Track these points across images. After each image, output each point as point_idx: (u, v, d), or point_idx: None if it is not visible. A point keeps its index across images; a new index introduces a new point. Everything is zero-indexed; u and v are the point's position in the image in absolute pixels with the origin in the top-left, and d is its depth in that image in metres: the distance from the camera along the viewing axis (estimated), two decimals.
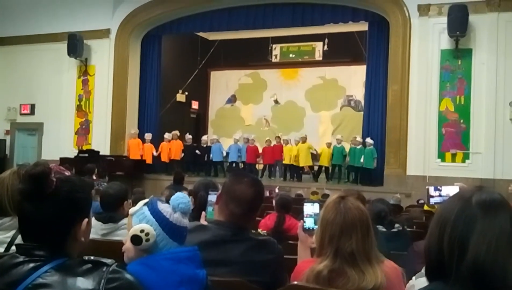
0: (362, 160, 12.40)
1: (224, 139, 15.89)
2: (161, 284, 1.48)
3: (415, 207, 7.82)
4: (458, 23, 10.80)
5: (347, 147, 13.45)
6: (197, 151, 14.26)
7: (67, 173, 1.44)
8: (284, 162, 13.78)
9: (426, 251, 1.08)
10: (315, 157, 13.80)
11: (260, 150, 14.31)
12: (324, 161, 13.48)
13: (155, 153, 14.27)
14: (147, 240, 1.56)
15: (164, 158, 14.28)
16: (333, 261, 1.85)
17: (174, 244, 1.61)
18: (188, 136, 14.76)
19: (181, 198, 1.67)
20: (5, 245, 2.18)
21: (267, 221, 4.88)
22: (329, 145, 13.66)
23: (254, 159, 14.05)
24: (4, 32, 15.66)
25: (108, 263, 1.34)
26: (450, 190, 3.51)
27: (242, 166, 14.24)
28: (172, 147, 14.35)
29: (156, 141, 14.54)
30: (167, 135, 14.42)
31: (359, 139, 12.77)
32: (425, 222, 6.05)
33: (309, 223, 2.31)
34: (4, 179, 2.24)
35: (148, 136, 14.43)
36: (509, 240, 0.99)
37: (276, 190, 9.32)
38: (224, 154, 14.21)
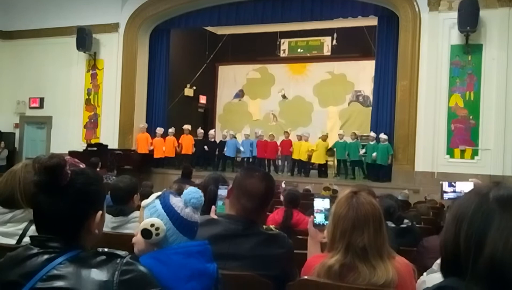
0: (362, 152, 12.37)
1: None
2: (172, 278, 1.48)
3: (423, 203, 7.79)
4: (469, 18, 10.70)
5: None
6: (205, 147, 14.26)
7: (82, 165, 1.44)
8: (293, 157, 13.73)
9: (442, 247, 1.07)
10: (331, 154, 13.69)
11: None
12: (319, 157, 13.35)
13: (163, 148, 14.25)
14: (157, 234, 1.56)
15: (169, 153, 14.28)
16: (345, 255, 1.85)
17: (184, 238, 1.60)
18: (200, 131, 14.78)
19: (194, 192, 1.66)
20: (17, 237, 2.19)
21: (275, 216, 4.89)
22: (324, 138, 13.54)
23: (263, 153, 14.03)
24: (13, 26, 15.75)
25: (122, 255, 1.34)
26: (465, 186, 3.48)
27: (251, 161, 14.23)
28: (183, 141, 14.35)
29: (165, 136, 14.55)
30: (170, 130, 14.42)
31: (373, 134, 12.57)
32: (433, 218, 6.03)
33: (319, 218, 2.31)
34: (16, 172, 2.25)
35: (159, 130, 14.42)
36: None
37: (283, 185, 9.32)
38: (242, 149, 14.16)
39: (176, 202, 1.64)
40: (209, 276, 1.58)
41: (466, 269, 1.00)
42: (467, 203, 1.05)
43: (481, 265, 0.97)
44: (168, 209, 1.61)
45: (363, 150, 12.60)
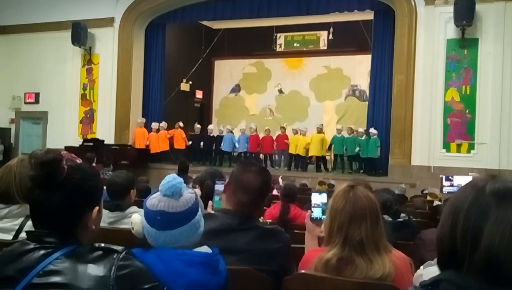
0: (357, 150, 12.56)
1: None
2: (170, 281, 1.45)
3: (419, 197, 7.82)
4: (465, 12, 10.72)
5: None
6: (200, 143, 14.27)
7: (78, 161, 1.44)
8: (290, 151, 13.75)
9: (438, 241, 1.07)
10: (329, 148, 13.70)
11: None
12: (313, 149, 13.37)
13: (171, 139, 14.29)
14: (132, 228, 1.62)
15: (163, 147, 14.29)
16: (342, 249, 1.85)
17: (158, 235, 1.55)
18: (197, 126, 14.81)
19: (166, 179, 1.60)
20: (13, 233, 2.18)
21: (272, 210, 4.90)
22: (319, 130, 13.54)
23: (256, 148, 14.05)
24: (8, 21, 15.65)
25: (119, 250, 1.34)
26: (463, 180, 3.51)
27: (244, 155, 14.27)
28: (174, 136, 14.37)
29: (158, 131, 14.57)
30: (162, 124, 14.43)
31: (361, 130, 12.81)
32: (429, 212, 6.05)
33: (316, 213, 2.31)
34: (11, 167, 2.24)
35: (154, 125, 14.44)
36: None
37: (280, 180, 9.32)
38: (237, 145, 14.19)
39: (153, 194, 1.62)
40: (210, 288, 1.54)
41: (463, 262, 1.00)
42: (463, 196, 1.05)
43: (478, 258, 0.98)
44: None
45: (358, 148, 12.67)
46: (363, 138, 12.67)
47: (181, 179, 1.60)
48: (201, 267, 1.54)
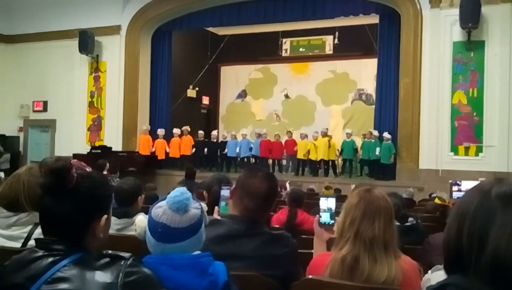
0: (377, 152, 12.23)
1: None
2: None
3: (428, 201, 7.78)
4: (470, 15, 10.68)
5: (357, 141, 13.38)
6: (205, 149, 14.30)
7: (88, 169, 1.45)
8: (298, 156, 13.72)
9: (444, 245, 1.07)
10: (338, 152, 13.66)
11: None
12: (320, 154, 13.30)
13: (167, 149, 14.35)
14: (136, 230, 1.66)
15: (174, 154, 14.34)
16: (353, 244, 1.85)
17: (157, 245, 1.56)
18: (201, 132, 14.87)
19: (174, 192, 1.60)
20: (22, 241, 2.20)
21: (280, 215, 4.89)
22: (324, 134, 13.49)
23: (267, 153, 14.03)
24: (15, 30, 15.81)
25: (126, 257, 1.35)
26: (471, 185, 3.48)
27: (254, 161, 14.27)
28: (182, 142, 14.42)
29: (168, 137, 14.61)
30: (175, 130, 14.47)
31: (375, 133, 12.60)
32: (437, 216, 6.01)
33: (325, 217, 2.31)
34: (20, 175, 2.26)
35: (161, 131, 14.51)
36: None
37: (287, 185, 9.30)
38: (238, 150, 14.23)
39: (160, 202, 1.62)
40: None
41: (469, 266, 1.00)
42: (469, 200, 1.05)
43: (484, 262, 0.97)
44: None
45: (378, 152, 12.44)
46: (373, 141, 12.50)
47: (189, 195, 1.59)
48: (187, 269, 1.53)
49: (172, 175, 13.20)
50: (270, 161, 14.36)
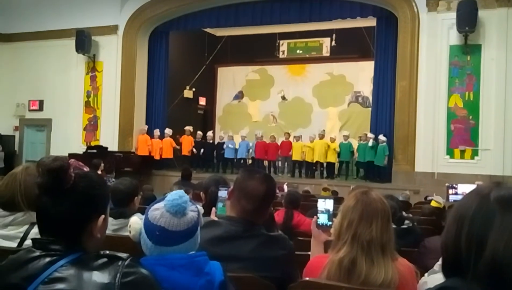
0: (385, 161, 12.19)
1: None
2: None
3: (424, 204, 7.79)
4: (467, 19, 10.72)
5: (354, 143, 13.39)
6: (201, 150, 14.30)
7: (86, 169, 1.45)
8: (293, 158, 13.73)
9: (443, 248, 1.08)
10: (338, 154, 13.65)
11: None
12: (316, 155, 13.31)
13: (177, 147, 14.37)
14: (130, 231, 1.62)
15: (167, 154, 14.37)
16: (351, 247, 1.86)
17: (153, 248, 1.56)
18: (199, 133, 14.91)
19: (171, 195, 1.59)
20: (18, 240, 2.19)
21: (276, 217, 4.88)
22: (321, 136, 13.51)
23: (263, 154, 14.04)
24: (12, 29, 15.76)
25: (124, 257, 1.34)
26: (468, 189, 3.51)
27: (251, 162, 14.28)
28: (183, 142, 14.44)
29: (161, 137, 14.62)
30: (167, 131, 14.46)
31: (370, 135, 12.64)
32: (433, 219, 6.03)
33: (322, 219, 2.31)
34: (16, 174, 2.26)
35: (156, 131, 14.51)
36: None
37: (285, 187, 9.31)
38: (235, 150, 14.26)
39: (156, 204, 1.62)
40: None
41: (468, 270, 1.00)
42: (468, 203, 1.06)
43: (482, 265, 0.98)
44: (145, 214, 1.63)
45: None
46: (370, 144, 12.50)
47: (187, 198, 1.59)
48: (182, 269, 1.53)
49: (168, 176, 13.18)
50: (266, 163, 14.37)
